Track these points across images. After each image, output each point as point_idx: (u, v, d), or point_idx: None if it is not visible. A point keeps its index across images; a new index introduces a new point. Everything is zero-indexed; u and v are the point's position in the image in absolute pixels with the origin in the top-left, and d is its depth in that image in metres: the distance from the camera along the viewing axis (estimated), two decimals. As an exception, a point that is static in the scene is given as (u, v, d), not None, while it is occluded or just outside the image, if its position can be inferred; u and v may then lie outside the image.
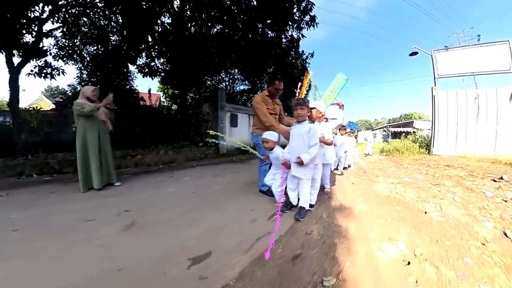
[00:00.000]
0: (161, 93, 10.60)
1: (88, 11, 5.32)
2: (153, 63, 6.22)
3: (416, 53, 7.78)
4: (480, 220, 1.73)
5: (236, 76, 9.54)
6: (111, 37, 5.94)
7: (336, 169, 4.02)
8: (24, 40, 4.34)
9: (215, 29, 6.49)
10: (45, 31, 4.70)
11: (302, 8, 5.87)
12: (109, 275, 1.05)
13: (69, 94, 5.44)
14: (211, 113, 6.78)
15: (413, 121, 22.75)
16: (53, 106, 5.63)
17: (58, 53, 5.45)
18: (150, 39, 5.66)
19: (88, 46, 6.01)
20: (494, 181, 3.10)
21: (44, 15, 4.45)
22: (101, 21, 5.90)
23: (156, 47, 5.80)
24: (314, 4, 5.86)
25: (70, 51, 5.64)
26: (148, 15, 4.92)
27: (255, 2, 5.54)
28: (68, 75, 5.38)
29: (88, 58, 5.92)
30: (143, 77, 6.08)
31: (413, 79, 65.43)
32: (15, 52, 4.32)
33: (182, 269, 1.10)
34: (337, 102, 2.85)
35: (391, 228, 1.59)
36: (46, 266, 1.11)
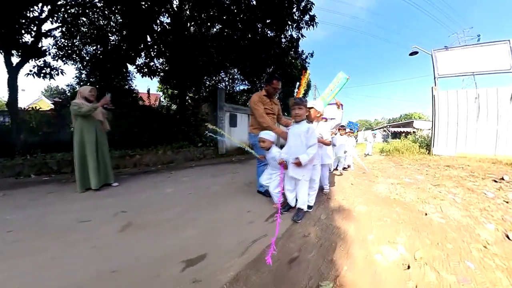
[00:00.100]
0: (161, 93, 10.60)
1: (87, 11, 5.31)
2: (152, 63, 6.20)
3: (416, 52, 7.75)
4: (482, 222, 1.70)
5: (235, 76, 9.53)
6: (110, 37, 5.93)
7: (336, 169, 3.99)
8: (23, 40, 4.34)
9: (215, 29, 6.48)
10: (44, 31, 4.70)
11: (301, 8, 5.84)
12: (101, 277, 1.04)
13: (68, 94, 5.43)
14: (210, 113, 6.76)
15: (413, 121, 22.70)
16: (52, 106, 5.62)
17: (57, 53, 5.45)
18: (149, 39, 5.64)
19: (87, 46, 6.00)
20: (495, 181, 3.06)
21: (43, 15, 4.45)
22: (100, 21, 5.89)
23: (155, 47, 5.78)
24: (313, 4, 5.84)
25: (69, 51, 5.63)
26: (147, 15, 4.91)
27: (254, 2, 5.52)
28: (68, 75, 5.38)
29: (87, 58, 5.91)
30: (142, 77, 6.06)
31: (413, 79, 65.34)
32: (14, 52, 4.32)
33: (175, 271, 1.09)
34: (336, 101, 2.80)
35: (390, 230, 1.56)
36: (39, 267, 1.11)
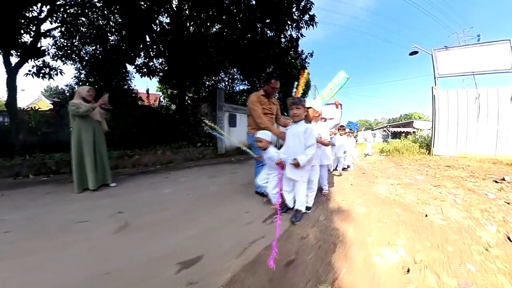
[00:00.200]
0: (161, 93, 10.60)
1: (86, 10, 5.31)
2: (151, 63, 6.18)
3: (416, 52, 7.72)
4: (483, 224, 1.68)
5: (235, 76, 9.51)
6: (110, 37, 5.93)
7: (335, 169, 3.97)
8: (22, 40, 4.33)
9: (214, 29, 6.46)
10: (43, 31, 4.69)
11: (301, 8, 5.83)
12: (96, 279, 1.03)
13: (67, 94, 5.42)
14: (209, 113, 6.75)
15: (413, 121, 22.65)
16: (51, 106, 5.61)
17: (57, 53, 5.44)
18: (148, 39, 5.63)
19: (86, 46, 5.99)
20: (496, 182, 3.04)
21: (42, 15, 4.44)
22: (100, 21, 5.89)
23: (155, 46, 5.77)
24: (313, 4, 5.83)
25: (68, 51, 5.62)
26: (146, 15, 4.90)
27: (254, 2, 5.51)
28: (67, 75, 5.37)
29: (86, 58, 5.90)
30: (141, 77, 6.05)
31: (413, 79, 65.20)
32: (13, 52, 4.31)
33: (171, 273, 1.07)
34: (335, 101, 2.77)
35: (390, 232, 1.54)
36: (36, 268, 1.12)
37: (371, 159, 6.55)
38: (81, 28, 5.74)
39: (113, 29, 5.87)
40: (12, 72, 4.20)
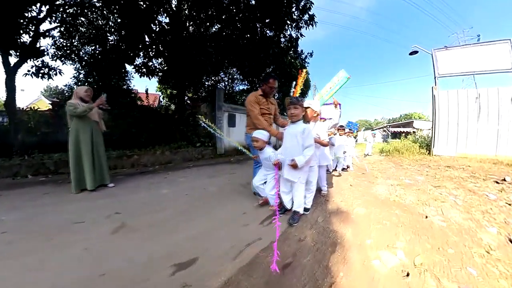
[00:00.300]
0: (160, 93, 10.59)
1: (85, 10, 5.30)
2: (150, 63, 6.17)
3: (416, 52, 7.69)
4: (484, 225, 1.65)
5: (235, 76, 9.49)
6: (109, 37, 5.92)
7: (335, 170, 3.94)
8: (21, 40, 4.32)
9: (213, 29, 6.45)
10: (43, 31, 4.68)
11: (301, 7, 5.82)
12: (90, 281, 1.02)
13: (66, 94, 5.42)
14: (208, 113, 6.73)
15: (413, 121, 22.58)
16: (50, 106, 5.61)
17: (56, 53, 5.43)
18: (147, 38, 5.62)
19: (85, 46, 5.98)
20: (497, 182, 3.01)
21: (42, 15, 4.43)
22: (99, 21, 5.88)
23: (154, 46, 5.76)
24: (313, 3, 5.81)
25: (67, 51, 5.61)
26: (145, 15, 4.89)
27: (253, 1, 5.49)
28: (66, 75, 5.36)
29: (85, 58, 5.89)
30: (140, 77, 6.04)
31: (413, 78, 65.09)
32: (12, 52, 4.30)
33: (165, 275, 1.06)
34: (334, 100, 2.75)
35: (390, 234, 1.52)
36: (32, 269, 1.11)
37: (371, 159, 6.52)
38: (80, 28, 5.73)
39: (112, 29, 5.87)
40: (11, 72, 4.19)
